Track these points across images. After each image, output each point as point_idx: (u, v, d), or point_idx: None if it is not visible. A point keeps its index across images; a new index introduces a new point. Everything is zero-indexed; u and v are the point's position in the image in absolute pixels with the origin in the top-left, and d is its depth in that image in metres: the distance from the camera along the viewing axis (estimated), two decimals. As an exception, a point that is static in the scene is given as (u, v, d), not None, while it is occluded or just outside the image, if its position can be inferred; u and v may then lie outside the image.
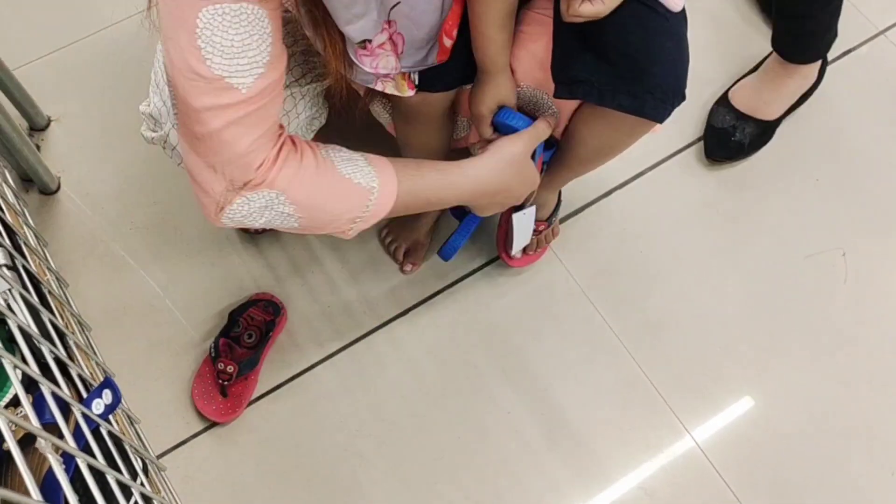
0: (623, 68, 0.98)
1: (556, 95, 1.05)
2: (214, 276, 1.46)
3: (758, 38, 1.68)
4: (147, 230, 1.50)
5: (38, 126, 1.61)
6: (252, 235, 1.48)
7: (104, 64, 1.66)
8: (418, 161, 1.06)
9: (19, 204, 1.10)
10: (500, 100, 1.08)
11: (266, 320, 1.39)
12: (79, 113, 1.63)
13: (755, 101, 1.56)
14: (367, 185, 0.96)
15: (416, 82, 1.05)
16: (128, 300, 1.45)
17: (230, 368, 1.32)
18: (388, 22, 0.94)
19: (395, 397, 1.37)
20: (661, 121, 1.02)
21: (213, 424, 1.35)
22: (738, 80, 1.60)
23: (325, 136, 1.15)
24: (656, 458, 1.32)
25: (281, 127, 0.92)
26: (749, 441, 1.33)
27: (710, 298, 1.44)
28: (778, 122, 1.57)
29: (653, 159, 1.57)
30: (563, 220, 1.50)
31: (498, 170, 1.09)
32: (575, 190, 1.52)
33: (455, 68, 1.05)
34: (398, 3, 0.92)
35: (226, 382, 1.32)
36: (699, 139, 1.59)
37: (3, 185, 1.09)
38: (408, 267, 1.45)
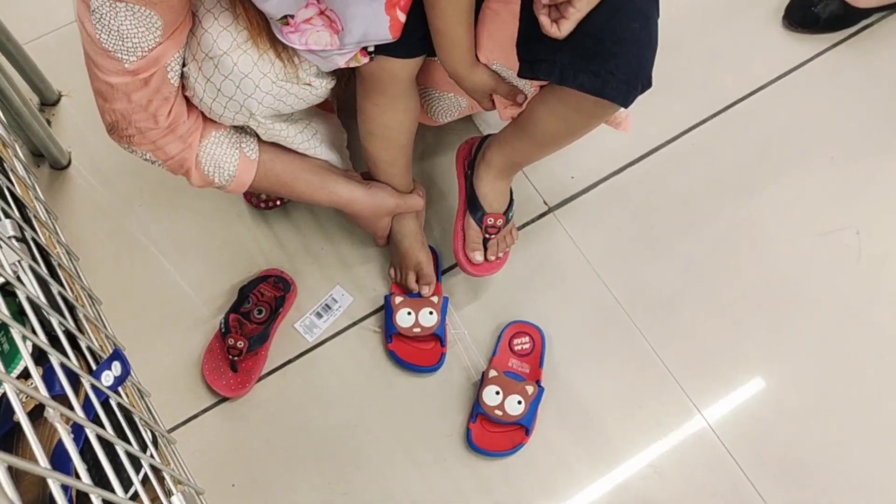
0: (586, 47, 0.95)
1: (520, 75, 1.03)
2: (224, 251, 1.46)
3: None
4: (158, 205, 1.50)
5: (48, 101, 1.61)
6: (262, 211, 1.48)
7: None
8: (301, 167, 1.23)
9: (30, 178, 1.10)
10: (484, 91, 1.10)
11: (276, 296, 1.39)
12: (90, 88, 1.61)
13: None
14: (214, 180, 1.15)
15: (370, 50, 1.05)
16: (138, 275, 1.45)
17: (240, 344, 1.32)
18: None
19: (405, 373, 1.37)
20: (624, 104, 0.98)
21: (223, 399, 1.35)
22: None
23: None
24: (667, 437, 1.32)
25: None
26: (760, 420, 1.33)
27: (722, 276, 1.43)
28: (864, 13, 1.62)
29: (663, 137, 1.55)
30: (574, 198, 1.49)
31: (365, 204, 1.30)
32: (586, 167, 1.51)
33: (415, 36, 1.04)
34: None
35: (236, 358, 1.33)
36: (709, 118, 1.57)
37: (14, 159, 1.08)
38: (426, 290, 1.38)
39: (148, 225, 1.49)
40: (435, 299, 1.37)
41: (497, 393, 1.30)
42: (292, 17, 0.95)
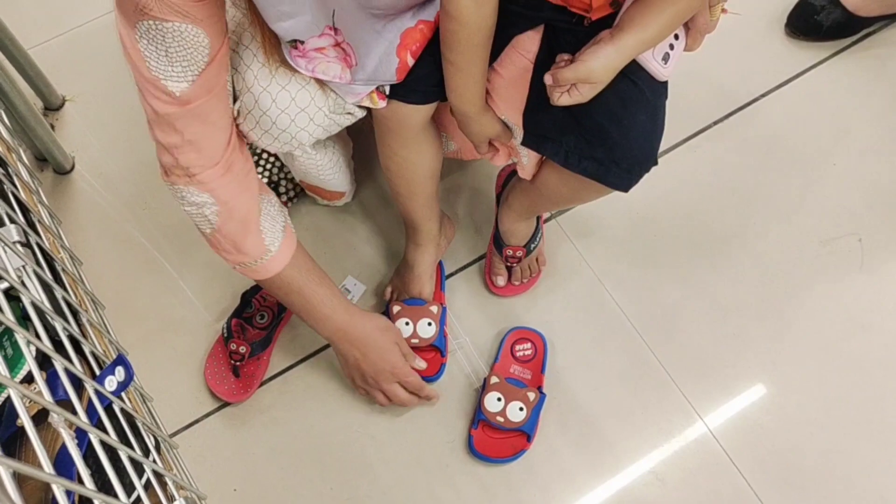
0: (592, 134, 0.97)
1: (524, 143, 1.06)
2: (227, 256, 1.46)
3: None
4: (161, 210, 1.50)
5: (52, 106, 1.61)
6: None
7: (119, 43, 1.66)
8: (326, 279, 1.20)
9: (34, 182, 1.11)
10: (487, 135, 1.07)
11: (279, 301, 1.39)
12: (93, 92, 1.63)
13: None
14: (267, 245, 1.09)
15: (387, 93, 1.04)
16: (142, 281, 1.45)
17: (242, 349, 1.32)
18: (335, 29, 0.94)
19: (406, 379, 1.37)
20: (624, 190, 1.02)
21: (225, 404, 1.35)
22: None
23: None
24: (668, 443, 1.32)
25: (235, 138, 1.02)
26: (761, 427, 1.33)
27: (724, 283, 1.43)
28: (866, 21, 1.61)
29: (665, 145, 1.55)
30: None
31: (370, 329, 1.23)
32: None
33: (428, 81, 1.02)
34: (334, 11, 0.91)
35: (238, 363, 1.33)
36: (711, 125, 1.57)
37: (18, 163, 1.09)
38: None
39: (151, 229, 1.49)
40: (434, 309, 1.36)
41: (499, 399, 1.30)
42: (302, 42, 0.95)
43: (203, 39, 0.88)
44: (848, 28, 1.62)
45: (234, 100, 1.04)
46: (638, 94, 0.96)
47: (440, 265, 1.42)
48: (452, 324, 1.40)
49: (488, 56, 0.97)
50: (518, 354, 1.37)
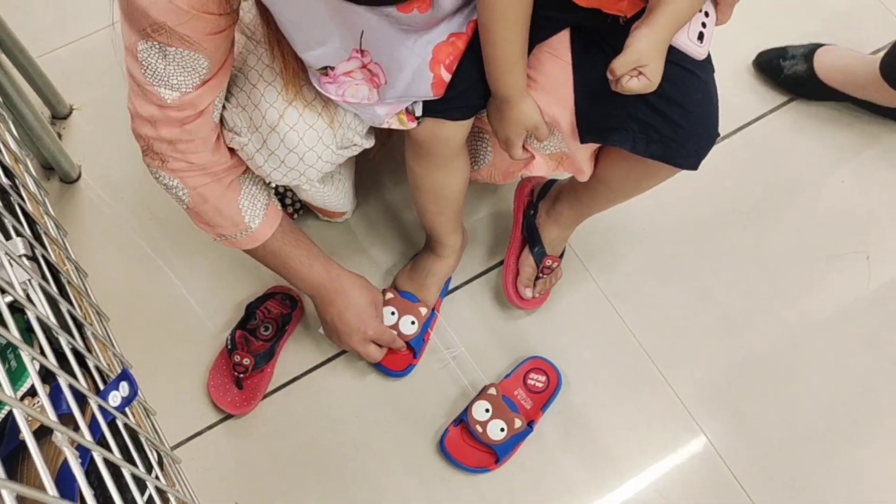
0: (654, 119, 0.99)
1: (584, 140, 1.06)
2: (232, 268, 1.46)
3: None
4: (167, 221, 1.50)
5: (59, 114, 1.62)
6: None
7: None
8: (308, 241, 1.23)
9: (40, 193, 1.11)
10: (527, 125, 1.03)
11: (283, 313, 1.39)
12: (101, 101, 1.63)
13: (830, 62, 1.55)
14: (247, 222, 1.12)
15: (418, 113, 1.03)
16: (146, 291, 1.45)
17: (246, 361, 1.32)
18: (361, 51, 0.93)
19: (409, 392, 1.36)
20: (694, 168, 1.04)
21: (227, 416, 1.35)
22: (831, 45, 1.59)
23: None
24: (671, 459, 1.31)
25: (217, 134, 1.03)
26: (765, 443, 1.32)
27: (731, 298, 1.43)
28: (826, 90, 1.56)
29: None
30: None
31: (349, 285, 1.27)
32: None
33: (472, 95, 1.01)
34: (363, 31, 0.90)
35: (242, 375, 1.33)
36: (727, 136, 1.57)
37: (26, 174, 1.09)
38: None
39: (157, 239, 1.49)
40: (423, 310, 1.36)
41: (486, 410, 1.30)
42: (332, 68, 0.95)
43: (203, 62, 0.89)
44: (807, 87, 1.59)
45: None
46: (687, 76, 0.98)
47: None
48: (447, 334, 1.40)
49: (527, 38, 0.96)
50: (529, 382, 1.36)
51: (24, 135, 1.43)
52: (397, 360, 1.36)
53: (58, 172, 1.55)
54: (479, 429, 1.29)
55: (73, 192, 1.54)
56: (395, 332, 1.33)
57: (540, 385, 1.36)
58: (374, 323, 1.29)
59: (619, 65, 0.91)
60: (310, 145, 1.03)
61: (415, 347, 1.35)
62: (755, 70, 1.64)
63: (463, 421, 1.31)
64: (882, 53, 1.48)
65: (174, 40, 0.85)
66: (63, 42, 1.70)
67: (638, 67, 0.91)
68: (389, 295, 1.36)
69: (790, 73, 1.58)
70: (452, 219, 1.30)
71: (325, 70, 0.95)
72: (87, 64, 1.67)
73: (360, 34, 0.90)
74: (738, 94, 1.62)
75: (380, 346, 1.32)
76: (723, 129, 1.56)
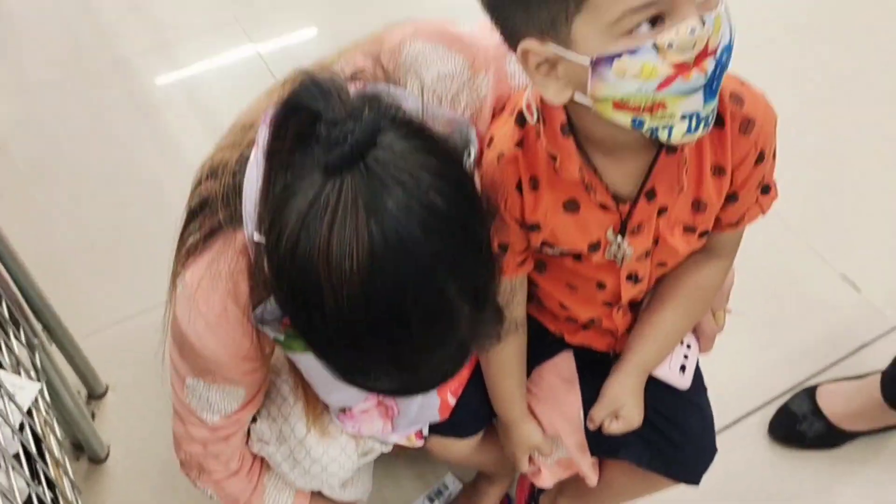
0: (655, 438, 1.06)
1: (595, 455, 1.12)
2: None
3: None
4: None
5: (95, 393, 1.65)
6: None
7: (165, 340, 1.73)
8: None
9: (74, 492, 1.12)
10: (529, 445, 1.11)
11: None
12: (135, 383, 1.67)
13: (840, 408, 1.50)
14: None
15: (425, 433, 1.11)
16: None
17: None
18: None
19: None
20: (696, 483, 1.08)
21: None
22: (836, 381, 1.55)
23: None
24: None
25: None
26: None
27: None
28: (851, 435, 1.50)
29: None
30: None
31: None
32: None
33: (479, 415, 1.10)
34: None
35: None
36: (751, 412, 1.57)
37: (58, 468, 1.11)
38: None
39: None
40: None
41: None
42: (350, 408, 1.03)
43: (241, 392, 0.96)
44: (831, 439, 1.51)
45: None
46: (679, 400, 1.06)
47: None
48: None
49: (524, 375, 1.05)
50: None
51: (60, 418, 1.45)
52: None
53: (87, 452, 1.56)
54: None
55: (100, 472, 1.55)
56: None
57: None
58: None
59: (597, 414, 1.01)
60: (333, 456, 1.07)
61: None
62: (773, 440, 1.55)
63: None
64: (878, 374, 1.44)
65: (219, 380, 0.93)
66: (107, 323, 1.76)
67: (615, 411, 1.00)
68: None
69: (814, 436, 1.50)
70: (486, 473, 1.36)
71: (344, 409, 1.03)
72: (127, 346, 1.72)
73: None
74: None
75: None
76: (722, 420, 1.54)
